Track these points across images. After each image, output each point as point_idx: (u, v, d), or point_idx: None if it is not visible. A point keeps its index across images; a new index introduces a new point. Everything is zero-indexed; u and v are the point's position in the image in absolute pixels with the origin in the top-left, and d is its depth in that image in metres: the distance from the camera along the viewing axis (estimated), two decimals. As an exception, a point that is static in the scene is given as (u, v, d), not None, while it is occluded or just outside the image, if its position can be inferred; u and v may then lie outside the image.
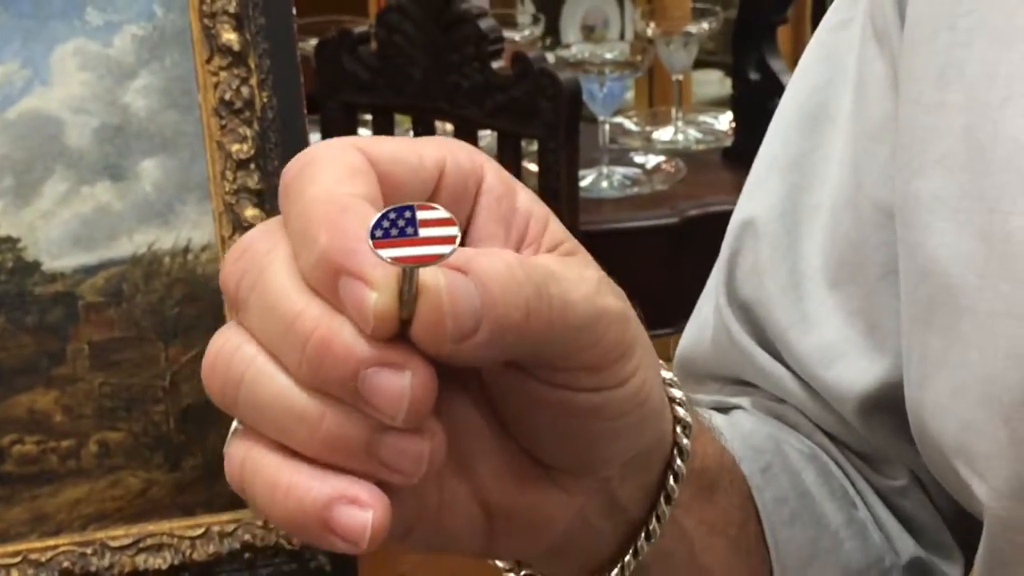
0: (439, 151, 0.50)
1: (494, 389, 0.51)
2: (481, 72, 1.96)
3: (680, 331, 0.78)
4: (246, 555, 0.94)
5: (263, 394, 0.46)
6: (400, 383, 0.45)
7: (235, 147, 0.93)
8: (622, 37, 2.87)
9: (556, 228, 0.51)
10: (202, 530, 0.93)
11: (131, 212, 0.91)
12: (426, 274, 0.45)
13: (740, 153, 2.24)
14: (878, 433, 0.70)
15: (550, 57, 2.19)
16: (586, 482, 0.54)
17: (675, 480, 0.57)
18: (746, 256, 0.72)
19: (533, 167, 2.02)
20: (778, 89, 2.12)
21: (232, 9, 0.92)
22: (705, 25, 2.40)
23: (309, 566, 0.94)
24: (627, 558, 0.58)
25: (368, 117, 2.16)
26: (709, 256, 0.76)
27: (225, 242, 0.92)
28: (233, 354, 0.47)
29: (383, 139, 0.50)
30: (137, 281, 0.92)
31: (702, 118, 2.50)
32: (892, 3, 0.68)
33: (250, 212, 0.93)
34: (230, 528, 0.94)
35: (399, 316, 0.45)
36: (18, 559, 0.91)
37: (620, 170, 2.28)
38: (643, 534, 0.57)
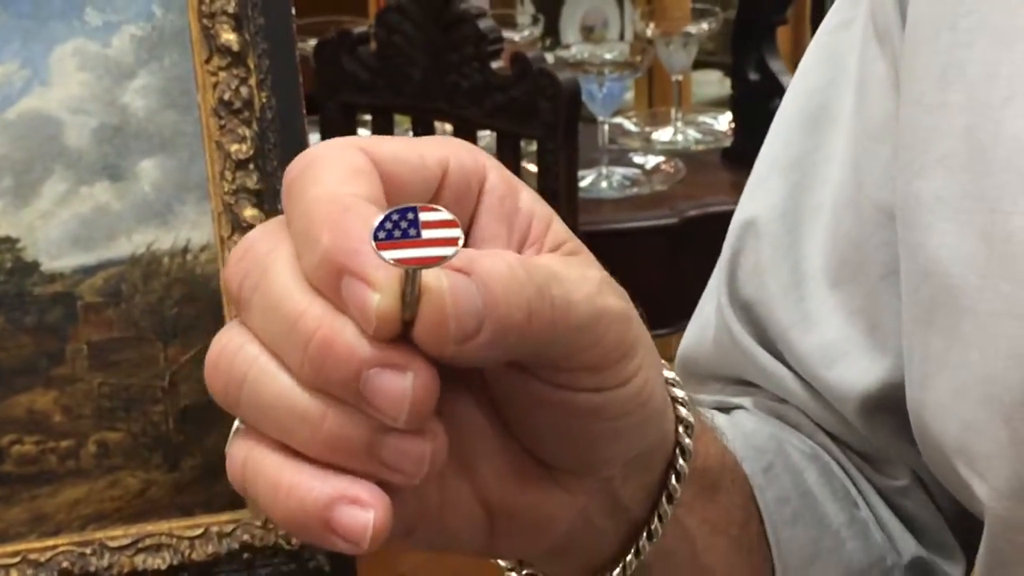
0: (442, 151, 0.50)
1: (496, 389, 0.51)
2: (480, 72, 1.96)
3: (679, 331, 0.78)
4: (245, 555, 0.94)
5: (265, 394, 0.46)
6: (402, 384, 0.45)
7: (234, 147, 0.93)
8: (622, 37, 2.87)
9: (559, 228, 0.51)
10: (201, 530, 0.93)
11: (130, 212, 0.91)
12: (429, 275, 0.45)
13: (739, 153, 2.23)
14: (879, 433, 0.70)
15: (549, 57, 2.19)
16: (588, 482, 0.54)
17: (677, 480, 0.57)
18: (747, 256, 0.72)
19: (532, 167, 2.02)
20: (777, 89, 2.12)
21: (231, 9, 0.92)
22: (705, 25, 2.40)
23: (308, 566, 0.94)
24: (629, 557, 0.58)
25: (367, 117, 2.16)
26: (708, 256, 0.76)
27: (224, 242, 0.92)
28: (236, 354, 0.47)
29: (385, 139, 0.49)
30: (136, 281, 0.92)
31: (701, 119, 2.50)
32: (893, 3, 0.68)
33: (249, 212, 0.93)
34: (229, 528, 0.94)
35: (401, 317, 0.45)
36: (17, 559, 0.91)
37: (619, 170, 2.28)
38: (645, 534, 0.57)
